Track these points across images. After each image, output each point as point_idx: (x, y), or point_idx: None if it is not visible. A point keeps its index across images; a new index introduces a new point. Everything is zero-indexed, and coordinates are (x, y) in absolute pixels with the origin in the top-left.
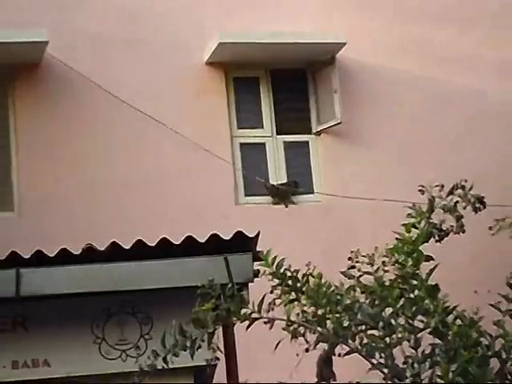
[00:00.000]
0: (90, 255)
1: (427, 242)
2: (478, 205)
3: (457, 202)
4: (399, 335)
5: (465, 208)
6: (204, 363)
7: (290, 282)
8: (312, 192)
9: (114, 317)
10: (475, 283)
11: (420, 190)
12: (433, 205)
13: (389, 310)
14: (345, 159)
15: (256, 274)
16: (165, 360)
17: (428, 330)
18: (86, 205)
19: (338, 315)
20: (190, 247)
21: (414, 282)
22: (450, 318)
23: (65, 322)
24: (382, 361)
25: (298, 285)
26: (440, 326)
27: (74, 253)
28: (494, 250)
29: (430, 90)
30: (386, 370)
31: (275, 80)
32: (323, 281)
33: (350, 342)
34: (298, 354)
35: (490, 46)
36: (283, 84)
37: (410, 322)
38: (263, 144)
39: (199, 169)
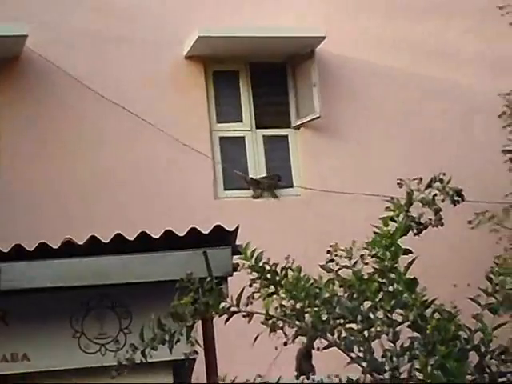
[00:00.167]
0: (69, 249)
1: (406, 235)
2: (456, 198)
3: (435, 195)
4: (378, 329)
5: (443, 201)
6: (183, 357)
7: (268, 276)
8: (291, 186)
9: (93, 311)
10: (455, 277)
11: (398, 184)
12: (411, 198)
13: (367, 304)
14: (324, 153)
15: (235, 267)
16: (143, 354)
17: (406, 324)
18: (64, 198)
19: (316, 309)
20: (169, 241)
21: (393, 276)
22: (429, 311)
23: (44, 316)
24: (361, 354)
25: (277, 278)
26: (418, 319)
27: (53, 247)
28: (474, 244)
29: (410, 85)
30: (364, 364)
31: (254, 74)
32: (302, 274)
33: (328, 335)
34: (276, 348)
35: (472, 40)
36: (262, 78)
37: (389, 315)
38: (242, 138)
39: (178, 163)
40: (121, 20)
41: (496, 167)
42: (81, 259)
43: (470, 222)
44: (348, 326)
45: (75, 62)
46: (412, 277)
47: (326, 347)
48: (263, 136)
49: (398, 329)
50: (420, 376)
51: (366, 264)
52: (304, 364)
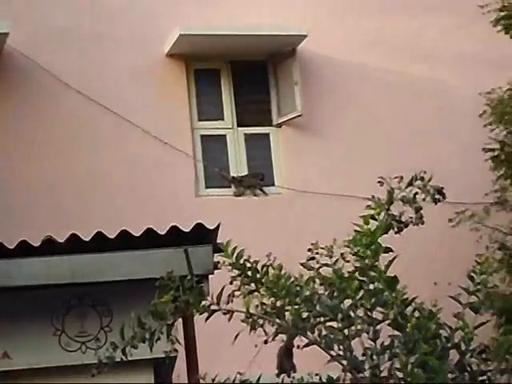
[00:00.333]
0: (50, 247)
1: (386, 233)
2: (437, 196)
3: (416, 193)
4: (358, 327)
5: (424, 199)
6: (163, 355)
7: (249, 273)
8: (273, 184)
9: (73, 309)
10: (435, 275)
11: (379, 182)
12: (392, 196)
13: (348, 302)
14: (305, 151)
15: (216, 265)
16: (124, 352)
17: (387, 322)
18: (46, 197)
19: (296, 307)
20: (150, 239)
21: (373, 274)
22: (409, 309)
23: (25, 314)
24: (341, 353)
25: (258, 276)
26: (399, 317)
27: (34, 245)
28: (454, 243)
29: (391, 83)
30: (344, 362)
31: (236, 72)
32: (283, 272)
33: (308, 333)
34: (256, 346)
35: (454, 39)
36: (244, 76)
37: (369, 313)
38: (224, 136)
39: (160, 161)
40: (102, 18)
41: (477, 166)
42: (61, 257)
43: (450, 221)
44: (328, 324)
45: (57, 60)
46: (392, 275)
47: (307, 345)
48: (245, 134)
49: (378, 327)
50: (400, 374)
51: (347, 262)
52: (285, 362)
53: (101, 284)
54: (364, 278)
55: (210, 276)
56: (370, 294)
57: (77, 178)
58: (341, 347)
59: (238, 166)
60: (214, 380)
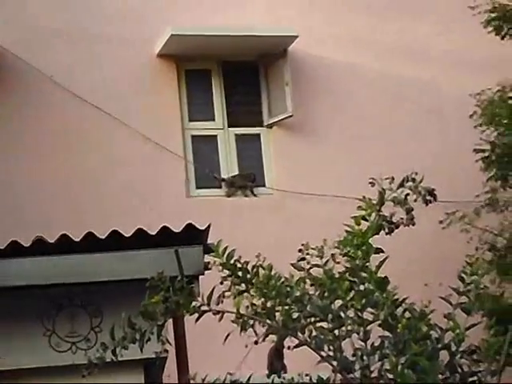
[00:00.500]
0: (40, 247)
1: (377, 234)
2: (428, 197)
3: (407, 194)
4: (348, 327)
5: (415, 200)
6: (153, 356)
7: (239, 274)
8: (263, 185)
9: (64, 309)
10: (426, 276)
11: (370, 183)
12: (383, 197)
13: (338, 303)
14: (296, 152)
15: (206, 266)
16: (114, 352)
17: (377, 323)
18: (35, 196)
19: (287, 307)
20: (140, 240)
21: (364, 275)
22: (400, 310)
23: (15, 315)
24: (331, 353)
25: (248, 276)
26: (389, 318)
27: (24, 245)
28: (445, 244)
29: (382, 84)
30: (335, 363)
31: (227, 73)
32: (273, 273)
33: (299, 334)
34: (246, 346)
35: (443, 37)
36: (235, 77)
37: (360, 314)
38: (215, 136)
39: (150, 161)
40: (93, 19)
41: (468, 167)
42: (52, 257)
43: (441, 222)
44: (319, 324)
45: (48, 60)
46: (383, 276)
47: (297, 346)
48: (235, 135)
49: (368, 328)
50: (390, 375)
51: (338, 263)
52: (275, 362)
53: (91, 284)
54: (355, 279)
55: (201, 276)
56: (360, 295)
57: (67, 178)
58: (331, 348)
59: (229, 166)
60: (203, 380)
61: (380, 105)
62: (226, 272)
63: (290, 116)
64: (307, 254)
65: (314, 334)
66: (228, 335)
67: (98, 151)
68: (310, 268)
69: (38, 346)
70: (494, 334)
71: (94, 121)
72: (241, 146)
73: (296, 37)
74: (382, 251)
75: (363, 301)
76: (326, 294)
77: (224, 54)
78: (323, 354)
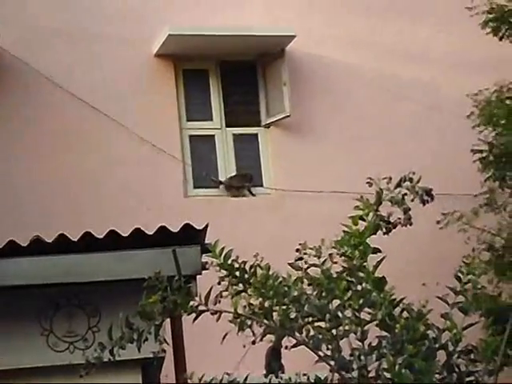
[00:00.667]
0: (38, 247)
1: (375, 234)
2: (425, 197)
3: (404, 194)
4: (346, 327)
5: (412, 200)
6: (151, 356)
7: (237, 274)
8: (261, 184)
9: (61, 309)
10: (424, 276)
11: (368, 183)
12: (380, 197)
13: (336, 303)
14: (294, 152)
15: (204, 266)
16: (111, 352)
17: (375, 323)
18: (34, 196)
19: (284, 307)
20: (138, 239)
21: (361, 275)
22: (397, 310)
23: (12, 314)
24: (329, 353)
25: (246, 276)
26: (387, 318)
27: (22, 245)
28: (443, 244)
29: (380, 83)
30: (332, 362)
31: (225, 72)
32: (271, 272)
33: (296, 334)
34: (244, 346)
35: (441, 39)
36: (233, 76)
37: (357, 314)
38: (212, 136)
39: (148, 161)
40: (91, 19)
41: (466, 167)
42: (49, 257)
43: (438, 222)
44: (316, 324)
45: (46, 60)
46: (380, 275)
47: (295, 346)
48: (233, 134)
49: (366, 328)
50: (388, 375)
51: (335, 263)
52: (273, 362)
53: (89, 284)
54: (352, 279)
55: (198, 276)
56: (358, 295)
57: (65, 178)
58: (329, 347)
59: (227, 166)
60: (200, 380)
61: (378, 105)
62: (224, 272)
63: (288, 116)
64: (305, 253)
65: (311, 333)
66: (226, 335)
67: (97, 151)
68: (308, 268)
69: (36, 346)
70: (492, 334)
71: (93, 120)
72: (238, 145)
73: (294, 37)
74: (380, 251)
75: (361, 301)
76: (323, 294)
77: (222, 54)
78: (321, 353)
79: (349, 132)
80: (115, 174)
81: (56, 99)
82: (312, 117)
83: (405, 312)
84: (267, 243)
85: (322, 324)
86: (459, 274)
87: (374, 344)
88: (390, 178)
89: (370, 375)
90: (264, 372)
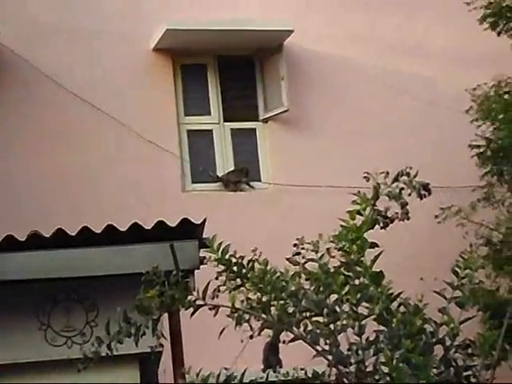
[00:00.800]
0: (36, 242)
1: (372, 228)
2: (423, 191)
3: (402, 188)
4: (343, 322)
5: (410, 195)
6: (149, 350)
7: (235, 269)
8: (259, 179)
9: (59, 303)
10: (422, 270)
11: (365, 177)
12: (378, 192)
13: (333, 297)
14: (292, 146)
15: (202, 260)
16: (109, 347)
17: (372, 317)
18: (33, 193)
19: (282, 302)
20: (136, 234)
21: (359, 269)
22: (395, 304)
23: (10, 309)
24: (327, 347)
25: (244, 271)
26: (384, 313)
27: (20, 239)
28: (440, 238)
29: (378, 78)
30: (330, 357)
31: (223, 67)
32: (268, 267)
33: (294, 328)
34: (242, 341)
35: (439, 34)
36: (231, 71)
37: (355, 308)
38: (210, 131)
39: (146, 156)
40: (89, 14)
41: (465, 161)
42: (47, 252)
43: (436, 217)
44: (314, 319)
45: (44, 56)
46: (378, 270)
47: (292, 340)
48: (231, 129)
49: (363, 322)
50: (385, 369)
51: (333, 257)
52: (271, 357)
53: (87, 279)
54: (350, 273)
55: (196, 271)
56: (355, 289)
57: (63, 174)
58: (326, 342)
59: (225, 161)
60: (198, 375)
61: (376, 99)
62: (221, 267)
63: (286, 110)
64: (302, 248)
65: (309, 328)
66: (223, 330)
67: (95, 146)
68: (305, 262)
69: (34, 341)
70: (489, 328)
71: (91, 116)
72: (236, 140)
73: (292, 31)
74: (377, 245)
75: (358, 295)
76: (321, 289)
77: (220, 49)
78: (318, 348)
79: (347, 126)
80: (114, 170)
81: (55, 96)
82: (310, 111)
83: (402, 306)
84: (265, 238)
85: (320, 319)
86: (456, 269)
87: (371, 338)
88: (388, 173)
89: (368, 370)
90: (262, 366)
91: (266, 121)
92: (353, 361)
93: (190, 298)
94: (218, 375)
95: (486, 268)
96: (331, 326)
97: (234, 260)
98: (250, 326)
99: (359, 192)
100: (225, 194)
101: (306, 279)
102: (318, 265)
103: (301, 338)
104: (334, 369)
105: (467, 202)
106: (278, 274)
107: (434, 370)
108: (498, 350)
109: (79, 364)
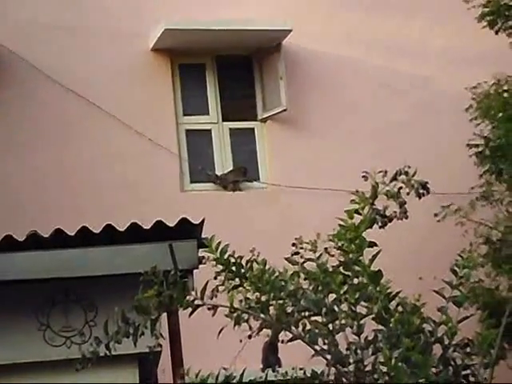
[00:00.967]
0: (35, 242)
1: (371, 227)
2: (421, 190)
3: (400, 187)
4: (342, 321)
5: (408, 194)
6: (147, 350)
7: (233, 268)
8: (257, 179)
9: (58, 303)
10: (422, 269)
11: (363, 176)
12: (376, 191)
13: (332, 297)
14: (290, 146)
15: (201, 260)
16: (107, 347)
17: (371, 316)
18: (32, 191)
19: (281, 301)
20: (134, 234)
21: (357, 268)
22: (393, 304)
23: (9, 309)
24: (325, 347)
25: (242, 271)
26: (383, 312)
27: (19, 239)
28: (440, 237)
29: (377, 78)
30: (329, 356)
31: (221, 67)
32: (267, 267)
33: (293, 328)
34: (241, 341)
35: (437, 33)
36: (229, 71)
37: (353, 308)
38: (209, 131)
39: (145, 156)
40: (87, 13)
41: (462, 160)
42: (46, 252)
43: (436, 215)
44: (313, 318)
45: (42, 54)
46: (376, 269)
47: (291, 340)
48: (230, 129)
49: (362, 321)
50: (384, 369)
51: (332, 256)
52: (270, 357)
53: (86, 279)
54: (348, 273)
55: (195, 271)
56: (354, 289)
57: (62, 172)
58: (325, 342)
59: (223, 160)
60: (197, 375)
61: (374, 98)
62: (220, 267)
63: (285, 110)
64: (301, 248)
65: (307, 327)
66: (222, 329)
67: (94, 146)
68: (304, 262)
69: (33, 341)
70: (488, 327)
71: (90, 115)
72: (235, 140)
73: (290, 31)
74: (376, 245)
75: (357, 294)
76: (319, 288)
77: (218, 48)
78: (317, 347)
79: (345, 126)
80: (111, 169)
81: (53, 95)
82: (308, 111)
83: (401, 306)
84: (263, 237)
85: (319, 318)
86: (455, 268)
87: (370, 338)
88: (386, 172)
89: (367, 369)
90: (261, 366)
91: (264, 120)
92: (351, 360)
93: (188, 297)
94: (217, 375)
95: (486, 267)
96: (330, 326)
97: (232, 260)
98: (249, 326)
99: (357, 191)
100: (223, 193)
101: (305, 279)
102: (317, 264)
103: (299, 337)
104: (332, 368)
105: (466, 201)
106: (277, 273)
107: (433, 369)
108: (497, 349)
109: (77, 364)
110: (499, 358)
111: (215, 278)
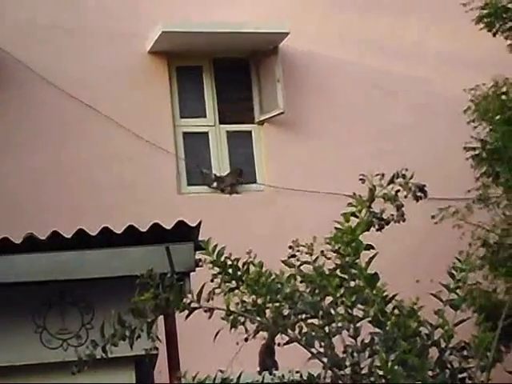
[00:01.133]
0: (31, 244)
1: (368, 230)
2: (418, 193)
3: (397, 190)
4: (339, 324)
5: (406, 197)
6: (144, 353)
7: (230, 271)
8: (255, 181)
9: (55, 306)
10: (419, 272)
11: (361, 179)
12: (373, 194)
13: (328, 299)
14: (288, 149)
15: (197, 263)
16: (104, 349)
17: (367, 319)
18: (29, 191)
19: (277, 304)
20: (131, 236)
21: (354, 271)
22: (390, 307)
23: (5, 311)
24: (322, 350)
25: (239, 273)
26: (379, 315)
27: (15, 242)
28: (437, 239)
29: (374, 80)
30: (325, 359)
31: (218, 69)
32: (263, 270)
33: (289, 331)
34: (237, 343)
35: (433, 35)
36: (226, 73)
37: (350, 311)
38: (206, 133)
39: (142, 158)
40: (84, 15)
41: (459, 163)
42: (43, 254)
43: (433, 217)
44: (309, 321)
45: (38, 56)
46: (373, 272)
47: (288, 343)
48: (227, 131)
49: (358, 324)
50: (381, 372)
51: (329, 259)
52: (267, 360)
53: (82, 281)
54: (345, 276)
55: (192, 273)
56: (350, 292)
57: (59, 173)
58: (321, 345)
59: (220, 163)
60: (194, 378)
61: (371, 101)
62: (217, 269)
63: (282, 113)
64: (297, 250)
65: (304, 330)
66: (218, 332)
67: (90, 148)
68: (301, 265)
69: (29, 343)
70: (484, 330)
71: (87, 117)
72: (232, 142)
73: (287, 34)
74: (373, 248)
75: (353, 297)
76: (316, 291)
77: (215, 51)
78: (314, 350)
79: (342, 128)
80: (108, 171)
81: (49, 96)
82: (306, 114)
83: (397, 309)
84: (260, 240)
85: (315, 321)
86: (453, 271)
87: (366, 341)
88: (383, 175)
89: (363, 372)
90: (258, 369)
91: (261, 123)
92: (348, 363)
93: (185, 300)
94: (214, 378)
95: (483, 269)
96: (326, 329)
97: (229, 262)
98: (246, 329)
99: (354, 194)
100: (220, 196)
101: (301, 281)
102: (313, 267)
103: (296, 340)
104: (329, 371)
105: (463, 204)
106: (273, 276)
107: (430, 372)
108: (493, 352)
109: (74, 367)
110: (496, 360)
111: (212, 281)
